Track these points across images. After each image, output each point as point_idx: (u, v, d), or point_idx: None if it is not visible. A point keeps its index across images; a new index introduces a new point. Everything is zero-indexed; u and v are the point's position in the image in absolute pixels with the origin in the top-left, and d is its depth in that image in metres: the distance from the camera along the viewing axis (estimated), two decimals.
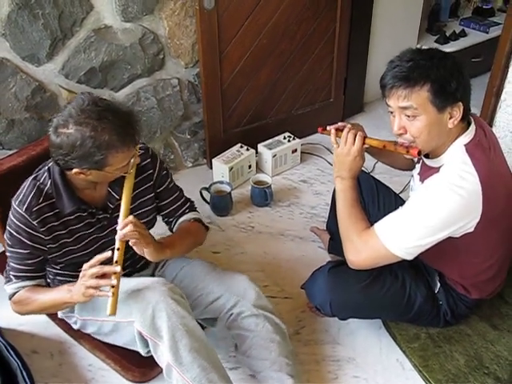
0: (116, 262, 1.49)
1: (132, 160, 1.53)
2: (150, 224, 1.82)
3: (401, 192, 2.63)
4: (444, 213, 1.47)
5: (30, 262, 1.61)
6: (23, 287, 1.63)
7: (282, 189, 2.84)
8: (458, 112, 1.47)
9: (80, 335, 1.88)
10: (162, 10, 2.46)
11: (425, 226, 1.49)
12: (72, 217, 1.60)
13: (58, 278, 1.76)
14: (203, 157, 3.00)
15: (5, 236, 1.60)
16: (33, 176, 1.60)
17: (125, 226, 1.50)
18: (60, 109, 1.45)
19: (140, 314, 1.57)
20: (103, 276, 1.48)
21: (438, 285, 1.78)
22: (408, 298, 1.76)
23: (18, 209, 1.54)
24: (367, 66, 3.35)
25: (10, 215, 1.57)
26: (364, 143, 1.65)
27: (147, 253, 1.56)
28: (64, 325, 1.93)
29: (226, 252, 2.41)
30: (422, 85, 1.43)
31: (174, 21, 2.51)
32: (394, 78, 1.47)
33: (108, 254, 1.49)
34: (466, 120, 1.54)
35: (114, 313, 1.47)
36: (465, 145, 1.52)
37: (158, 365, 1.77)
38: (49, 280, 1.78)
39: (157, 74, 2.62)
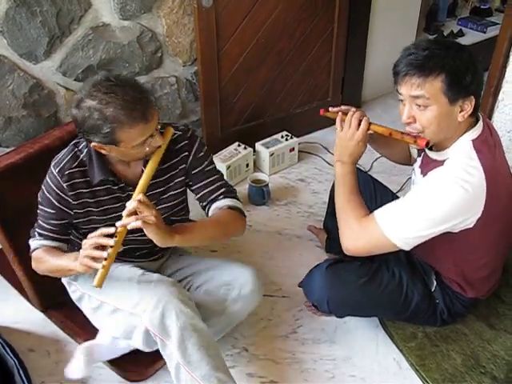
0: (115, 236, 1.46)
1: (151, 139, 1.50)
2: (178, 207, 1.77)
3: (398, 191, 2.63)
4: (447, 206, 1.46)
5: (54, 222, 1.64)
6: (44, 245, 1.66)
7: (280, 187, 2.84)
8: (469, 106, 1.46)
9: (77, 333, 1.87)
10: (160, 8, 2.45)
11: (426, 218, 1.48)
12: (101, 187, 1.63)
13: (79, 238, 1.74)
14: None
15: (39, 194, 1.65)
16: (75, 141, 1.65)
17: (129, 205, 1.47)
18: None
19: (149, 312, 1.58)
20: (102, 248, 1.46)
21: (435, 283, 1.78)
22: (405, 296, 1.77)
23: (52, 169, 1.60)
24: (365, 66, 3.35)
25: (47, 175, 1.62)
26: (369, 129, 1.63)
27: (150, 234, 1.48)
28: (60, 323, 1.92)
29: (223, 251, 2.41)
30: (437, 75, 1.41)
31: (172, 19, 2.50)
32: (409, 66, 1.44)
33: (111, 229, 1.47)
34: (474, 115, 1.53)
35: (99, 285, 1.45)
36: (472, 140, 1.51)
37: (153, 364, 1.78)
38: (73, 237, 1.77)
39: (155, 72, 2.62)
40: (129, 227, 1.45)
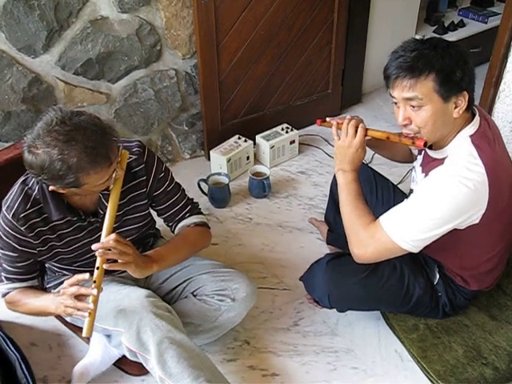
0: (94, 281, 1.46)
1: (114, 175, 1.47)
2: (146, 227, 1.79)
3: (399, 183, 2.63)
4: (452, 205, 1.46)
5: (20, 264, 1.62)
6: (14, 288, 1.65)
7: (280, 180, 2.84)
8: (463, 101, 1.46)
9: (78, 328, 1.87)
10: (159, 0, 2.44)
11: (432, 219, 1.48)
12: (61, 221, 1.58)
13: (54, 267, 1.76)
14: (201, 148, 2.99)
15: None
16: (22, 178, 1.57)
17: (106, 243, 1.46)
18: (40, 116, 1.39)
19: (126, 330, 1.58)
20: (83, 295, 1.48)
21: (437, 276, 1.78)
22: (406, 289, 1.76)
23: (5, 214, 1.53)
24: (365, 57, 3.33)
25: (0, 219, 1.55)
26: (366, 135, 1.63)
27: (129, 271, 1.52)
28: (62, 317, 1.92)
29: (224, 244, 2.41)
30: (427, 74, 1.41)
31: (171, 12, 2.49)
32: (399, 69, 1.44)
33: (86, 275, 1.47)
34: (470, 110, 1.53)
35: (89, 335, 1.46)
36: (470, 136, 1.50)
37: None
38: (47, 265, 1.77)
39: (154, 65, 2.61)
40: (105, 267, 1.46)
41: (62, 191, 1.46)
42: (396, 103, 1.51)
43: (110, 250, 1.46)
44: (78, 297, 1.48)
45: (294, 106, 3.11)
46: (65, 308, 1.49)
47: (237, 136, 2.85)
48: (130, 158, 1.60)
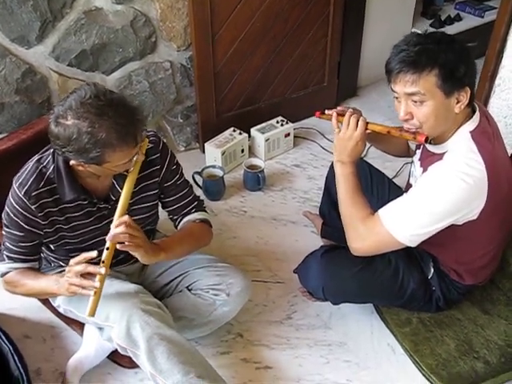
0: (103, 261, 1.47)
1: (134, 158, 1.48)
2: (151, 219, 1.79)
3: (394, 177, 2.63)
4: (451, 200, 1.46)
5: (24, 244, 1.60)
6: (15, 268, 1.63)
7: (275, 173, 2.83)
8: (464, 97, 1.45)
9: (72, 320, 1.87)
10: None
11: (431, 213, 1.48)
12: (71, 204, 1.58)
13: (51, 257, 1.76)
14: (196, 141, 2.98)
15: (2, 215, 1.59)
16: (37, 157, 1.56)
17: (118, 225, 1.46)
18: (62, 97, 1.40)
19: (116, 325, 1.58)
20: (88, 274, 1.47)
21: (432, 271, 1.78)
22: (401, 283, 1.77)
23: (17, 191, 1.51)
24: (361, 50, 3.32)
25: (10, 195, 1.54)
26: (367, 128, 1.62)
27: (138, 256, 1.51)
28: (55, 309, 1.92)
29: (219, 236, 2.41)
30: (430, 70, 1.40)
31: (166, 3, 2.47)
32: (401, 63, 1.42)
33: (94, 253, 1.47)
34: (470, 105, 1.52)
35: (92, 314, 1.47)
36: (470, 132, 1.50)
37: None
38: (43, 255, 1.77)
39: (149, 57, 2.59)
40: (118, 247, 1.46)
41: (80, 168, 1.46)
42: (397, 98, 1.50)
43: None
44: (84, 276, 1.47)
45: (289, 98, 3.10)
46: (69, 286, 1.48)
47: (232, 128, 2.85)
48: (148, 146, 1.61)
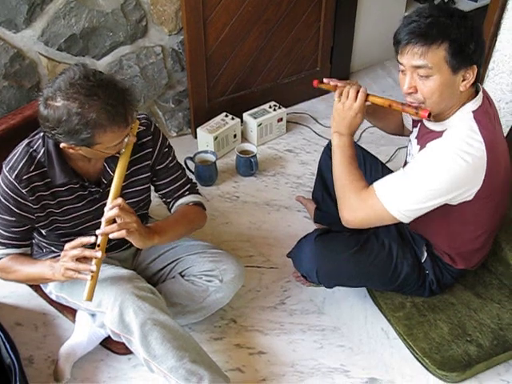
0: (98, 245, 1.46)
1: (126, 139, 1.47)
2: (143, 203, 1.77)
3: (387, 162, 2.62)
4: (448, 177, 1.45)
5: (16, 229, 1.59)
6: (7, 254, 1.62)
7: (268, 158, 2.82)
8: (471, 75, 1.43)
9: (64, 307, 1.86)
10: None
11: (427, 190, 1.47)
12: (63, 188, 1.56)
13: (43, 242, 1.74)
14: (188, 126, 2.96)
15: None
16: (27, 141, 1.54)
17: (112, 208, 1.45)
18: (51, 79, 1.38)
19: (108, 311, 1.58)
20: (84, 259, 1.46)
21: (425, 254, 1.78)
22: (395, 266, 1.77)
23: (7, 175, 1.49)
24: (354, 35, 3.29)
25: (0, 180, 1.52)
26: (367, 100, 1.60)
27: (132, 240, 1.50)
28: (47, 296, 1.91)
29: (211, 222, 2.39)
30: (440, 43, 1.38)
31: None
32: (411, 34, 1.39)
33: (92, 238, 1.46)
34: (475, 86, 1.51)
35: (90, 299, 1.46)
36: (473, 111, 1.49)
37: None
38: (35, 241, 1.75)
39: (140, 41, 2.56)
40: (111, 237, 1.45)
41: (71, 151, 1.45)
42: (403, 71, 1.48)
43: (114, 220, 1.46)
44: (80, 260, 1.46)
45: (282, 83, 3.07)
46: (65, 271, 1.47)
47: (224, 113, 2.82)
48: (139, 128, 1.60)
